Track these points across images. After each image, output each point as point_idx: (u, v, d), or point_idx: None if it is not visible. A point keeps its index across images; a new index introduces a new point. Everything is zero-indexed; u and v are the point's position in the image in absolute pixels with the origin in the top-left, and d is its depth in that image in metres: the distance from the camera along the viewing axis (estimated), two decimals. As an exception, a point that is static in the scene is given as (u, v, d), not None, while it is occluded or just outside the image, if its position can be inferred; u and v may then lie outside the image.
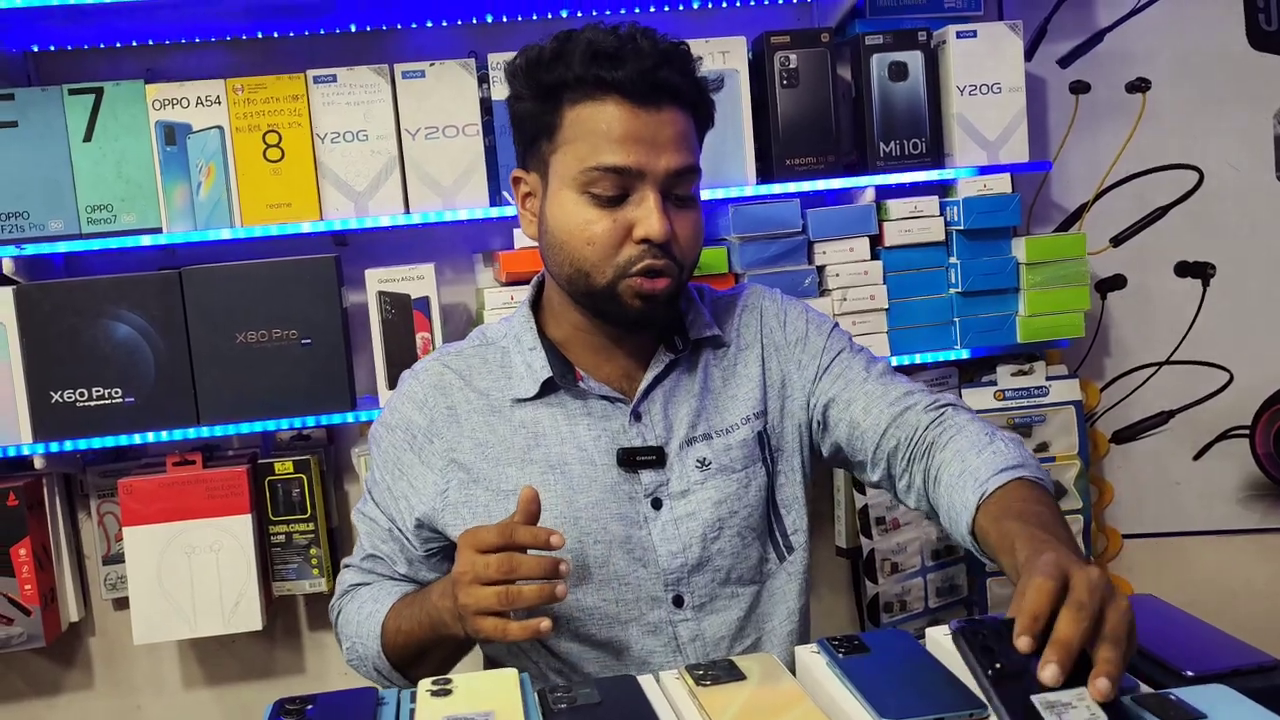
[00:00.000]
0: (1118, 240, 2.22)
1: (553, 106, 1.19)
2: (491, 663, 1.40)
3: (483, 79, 1.88)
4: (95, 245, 1.82)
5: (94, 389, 1.81)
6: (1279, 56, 2.19)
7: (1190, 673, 0.96)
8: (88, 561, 2.05)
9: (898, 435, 1.26)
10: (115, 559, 1.99)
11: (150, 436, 1.83)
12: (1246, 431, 2.27)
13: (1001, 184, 1.96)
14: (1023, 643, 0.86)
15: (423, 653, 1.24)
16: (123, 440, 1.83)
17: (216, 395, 1.83)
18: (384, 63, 1.87)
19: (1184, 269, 2.24)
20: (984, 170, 1.96)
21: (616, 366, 1.28)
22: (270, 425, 1.85)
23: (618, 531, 1.24)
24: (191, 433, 1.84)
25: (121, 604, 2.04)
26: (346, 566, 1.36)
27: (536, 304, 1.33)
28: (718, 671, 1.05)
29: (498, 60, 1.87)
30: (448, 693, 1.03)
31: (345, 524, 2.09)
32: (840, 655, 1.04)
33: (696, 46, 1.86)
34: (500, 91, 1.88)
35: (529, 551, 1.12)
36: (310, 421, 1.86)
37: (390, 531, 1.31)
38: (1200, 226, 2.22)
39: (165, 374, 1.82)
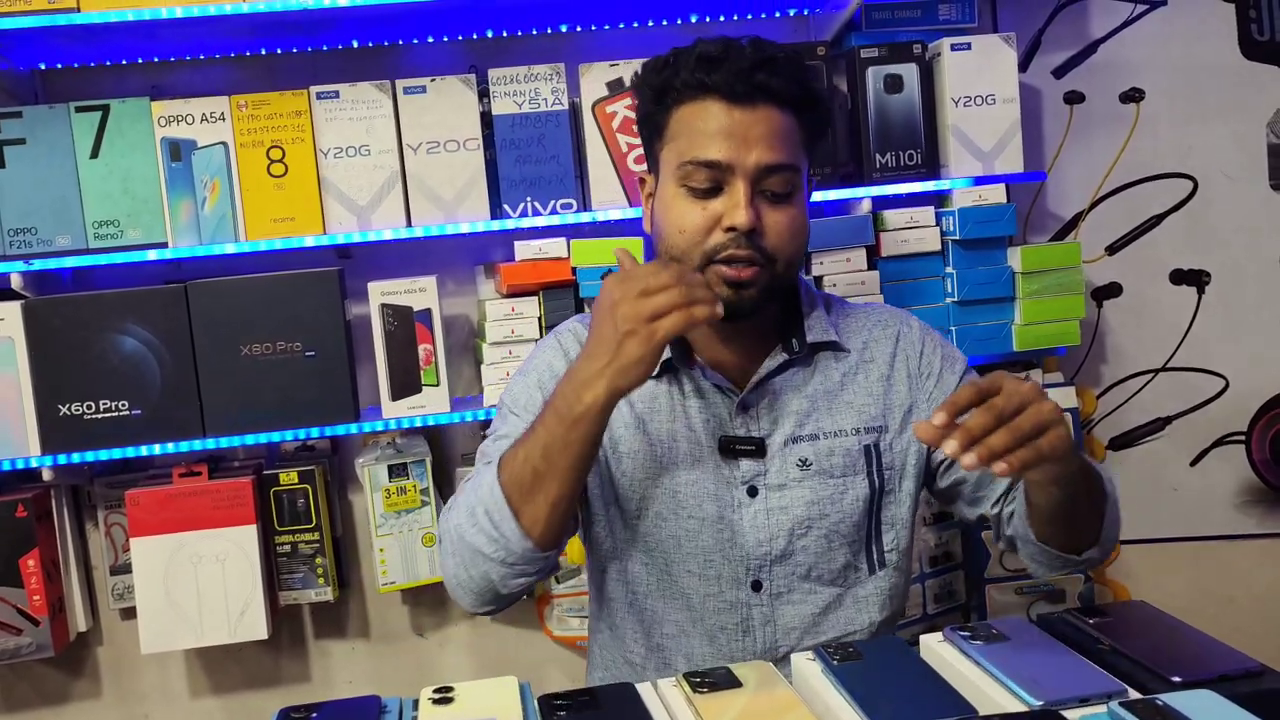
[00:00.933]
0: (1113, 249, 2.24)
1: (663, 108, 1.28)
2: (605, 608, 1.39)
3: (483, 94, 1.91)
4: (102, 260, 1.85)
5: (101, 402, 1.84)
6: (1272, 66, 2.21)
7: (1177, 679, 0.98)
8: (95, 572, 2.07)
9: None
10: (123, 569, 2.01)
11: (157, 449, 1.85)
12: (1243, 437, 2.29)
13: (997, 194, 1.98)
14: (938, 418, 1.02)
15: (538, 477, 1.19)
16: (129, 452, 1.85)
17: (222, 407, 1.85)
18: (385, 78, 1.89)
19: (1179, 277, 2.26)
20: (979, 181, 1.98)
21: (732, 358, 1.33)
22: (275, 437, 1.87)
23: (711, 511, 1.30)
24: (197, 444, 1.86)
25: (129, 614, 2.06)
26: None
27: None
28: (714, 679, 1.07)
29: (498, 75, 1.89)
30: (449, 700, 1.05)
31: (349, 533, 2.11)
32: (835, 662, 1.06)
33: (694, 61, 1.90)
34: (499, 106, 1.90)
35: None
36: (314, 433, 1.89)
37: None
38: (1195, 235, 2.24)
39: (171, 386, 1.84)
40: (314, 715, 1.06)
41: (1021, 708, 0.95)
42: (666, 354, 1.29)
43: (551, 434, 1.17)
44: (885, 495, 1.35)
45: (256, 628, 1.92)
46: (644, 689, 1.09)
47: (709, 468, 1.31)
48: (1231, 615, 2.29)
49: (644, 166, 1.36)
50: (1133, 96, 2.21)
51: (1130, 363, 2.27)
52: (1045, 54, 2.20)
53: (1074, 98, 2.20)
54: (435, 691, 1.07)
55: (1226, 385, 2.28)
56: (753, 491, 1.31)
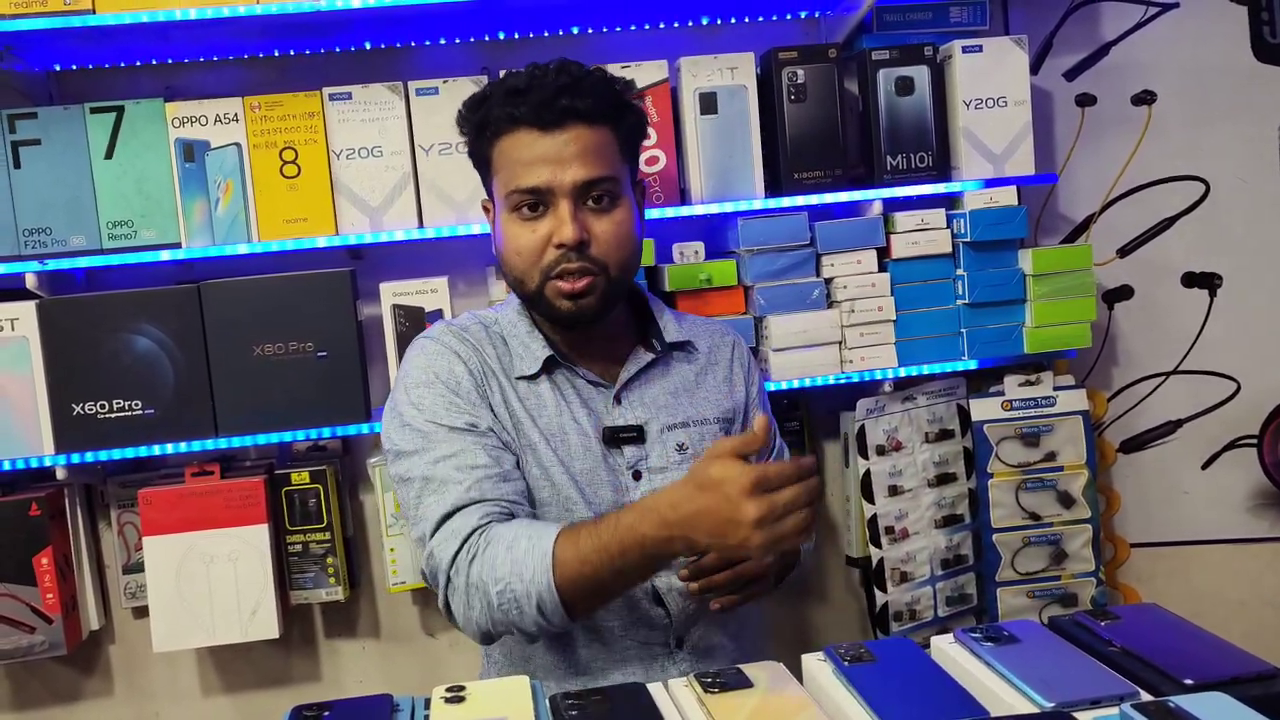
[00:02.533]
0: (1124, 251, 2.24)
1: (484, 142, 1.40)
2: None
3: (495, 95, 1.91)
4: (116, 260, 1.86)
5: (115, 401, 1.84)
6: (1284, 68, 2.21)
7: (1189, 680, 0.98)
8: (108, 570, 2.08)
9: None
10: (135, 568, 2.02)
11: (170, 448, 1.86)
12: (1254, 441, 2.28)
13: (1008, 196, 1.98)
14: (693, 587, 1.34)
15: (602, 587, 1.24)
16: (142, 452, 1.86)
17: (234, 407, 1.86)
18: (398, 79, 1.90)
19: (1191, 279, 2.25)
20: (990, 183, 1.98)
21: (595, 360, 1.45)
22: (287, 436, 1.88)
23: (607, 496, 1.41)
24: (210, 444, 1.87)
25: (141, 612, 2.07)
26: (443, 524, 1.32)
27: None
28: (725, 679, 1.08)
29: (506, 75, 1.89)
30: (461, 699, 1.06)
31: (360, 533, 2.12)
32: (846, 663, 1.07)
33: (705, 63, 1.91)
34: (512, 108, 1.91)
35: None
36: (325, 433, 1.89)
37: (477, 438, 1.36)
38: (1207, 237, 2.24)
39: (184, 386, 1.85)
40: (326, 714, 1.07)
41: (1033, 709, 0.96)
42: (546, 352, 1.42)
43: (632, 564, 1.22)
44: None
45: (268, 627, 1.93)
46: (654, 689, 1.09)
47: (598, 456, 1.41)
48: (1243, 619, 2.28)
49: (488, 191, 1.45)
50: (1144, 99, 2.21)
51: (1141, 365, 2.27)
52: (1056, 56, 2.19)
53: (1085, 100, 2.20)
54: (447, 690, 1.08)
55: (1238, 388, 2.27)
56: (637, 475, 1.42)
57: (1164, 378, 2.27)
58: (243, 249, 1.87)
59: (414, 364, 1.42)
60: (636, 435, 1.42)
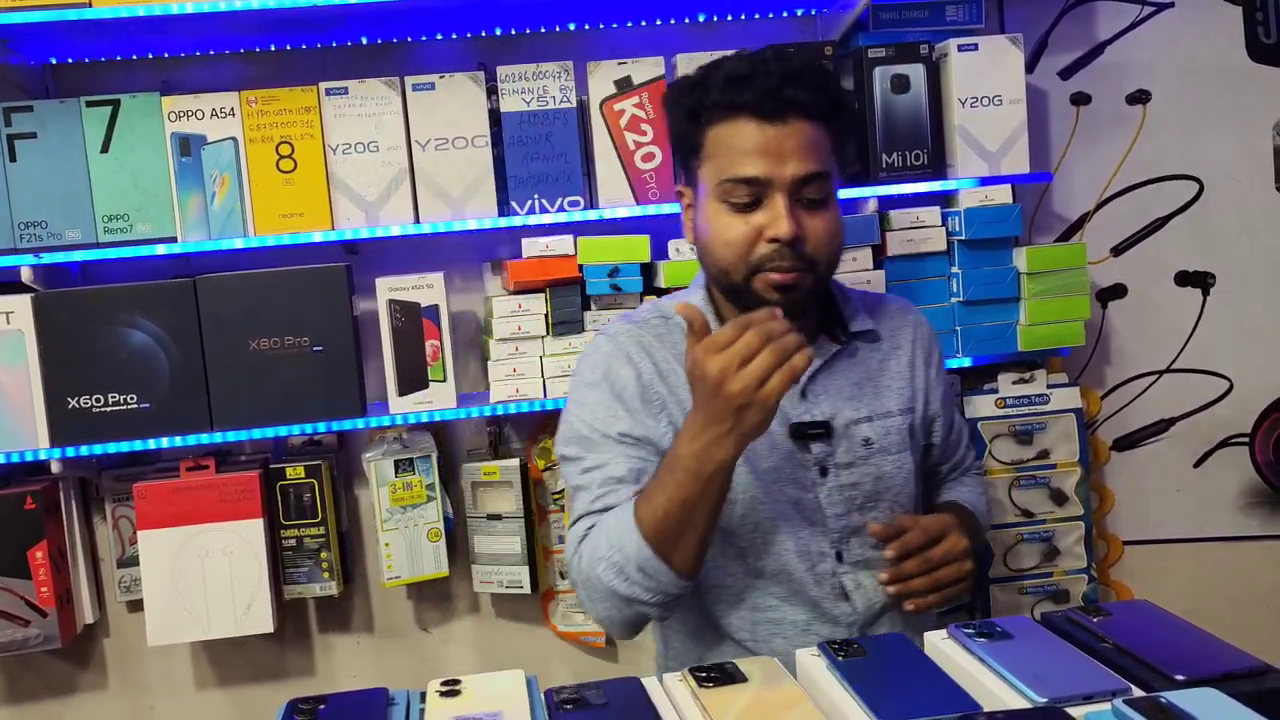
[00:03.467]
0: (1118, 250, 2.25)
1: (697, 128, 1.35)
2: (702, 616, 1.46)
3: (491, 91, 1.91)
4: (111, 254, 1.85)
5: (110, 395, 1.85)
6: (1277, 68, 2.22)
7: (1181, 677, 0.98)
8: (103, 564, 2.08)
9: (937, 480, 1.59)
10: (130, 562, 2.02)
11: (165, 442, 1.86)
12: (1246, 439, 2.29)
13: (1003, 195, 1.98)
14: (889, 552, 1.35)
15: (682, 527, 1.25)
16: (138, 446, 1.86)
17: (230, 401, 1.86)
18: (394, 75, 1.90)
19: (1184, 278, 2.26)
20: (985, 181, 1.98)
21: None
22: (282, 431, 1.88)
23: (792, 493, 1.40)
24: (205, 438, 1.87)
25: (135, 606, 2.07)
26: (578, 521, 1.36)
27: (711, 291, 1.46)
28: (719, 673, 1.08)
29: (506, 73, 1.90)
30: (456, 693, 1.06)
31: (355, 528, 2.12)
32: (840, 658, 1.07)
33: (700, 60, 1.90)
34: (508, 104, 1.91)
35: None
36: (321, 427, 1.90)
37: (627, 448, 1.37)
38: (1200, 237, 2.25)
39: (180, 380, 1.85)
40: (321, 707, 1.07)
41: (1026, 705, 0.96)
42: None
43: (687, 491, 1.23)
44: (919, 468, 1.50)
45: (263, 621, 1.93)
46: (649, 683, 1.09)
47: (783, 454, 1.40)
48: (1234, 616, 2.29)
49: (688, 177, 1.41)
50: (1139, 98, 2.22)
51: (1134, 364, 2.28)
52: (1052, 55, 2.20)
53: (1080, 99, 2.21)
54: (442, 684, 1.08)
55: (1231, 387, 2.28)
56: (824, 471, 1.41)
57: (1157, 376, 2.28)
58: (238, 243, 1.87)
59: (587, 362, 1.43)
60: (823, 430, 1.40)
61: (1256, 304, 2.26)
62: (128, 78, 2.00)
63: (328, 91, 1.87)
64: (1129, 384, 2.28)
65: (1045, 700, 0.95)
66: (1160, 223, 2.25)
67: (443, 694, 1.06)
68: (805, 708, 1.01)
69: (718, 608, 1.44)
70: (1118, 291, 2.25)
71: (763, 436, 1.34)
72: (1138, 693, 0.96)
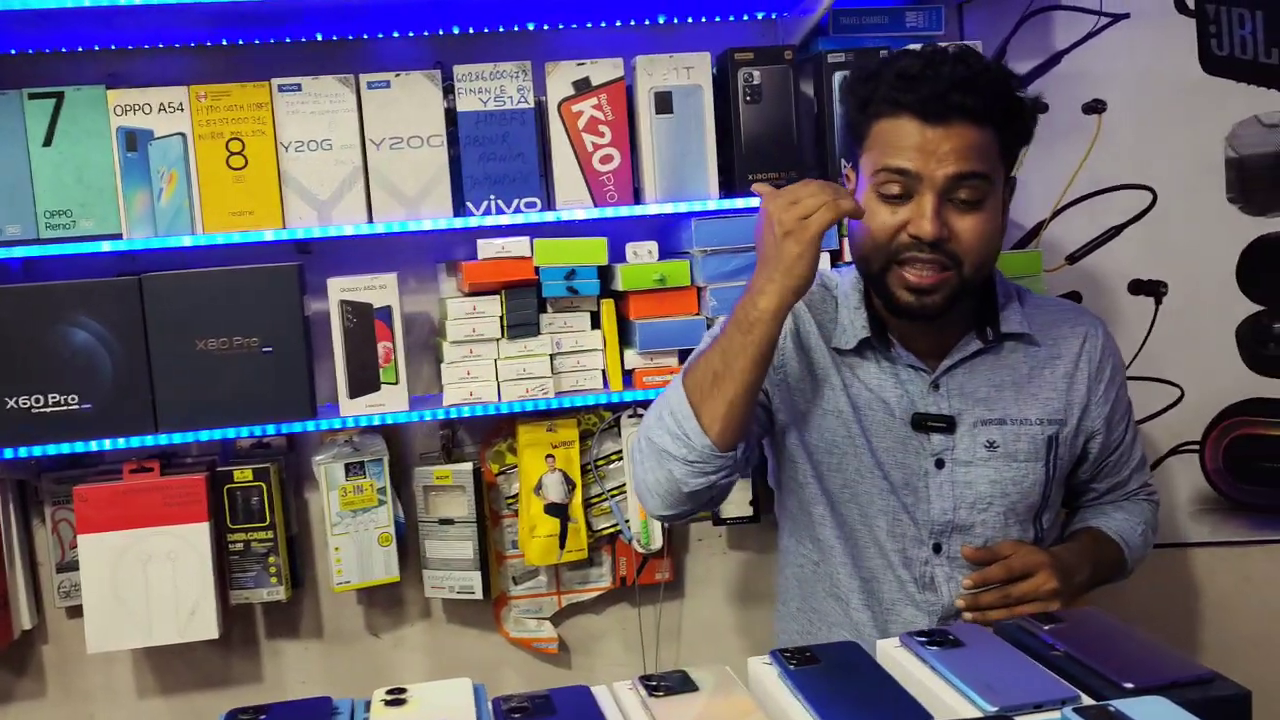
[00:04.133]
0: (1074, 258, 2.26)
1: (864, 118, 1.41)
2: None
3: (448, 90, 1.89)
4: (53, 250, 1.81)
5: (50, 395, 1.80)
6: (1231, 80, 2.24)
7: (1129, 685, 0.98)
8: (41, 569, 2.02)
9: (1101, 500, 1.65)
10: (70, 566, 1.97)
11: (109, 444, 1.81)
12: (1197, 447, 2.31)
13: (960, 201, 1.98)
14: (967, 581, 1.43)
15: (718, 378, 1.33)
16: (79, 447, 1.81)
17: (175, 402, 1.82)
18: (349, 72, 1.87)
19: (1137, 287, 2.28)
20: (943, 188, 1.98)
21: (928, 340, 1.47)
22: (230, 433, 1.85)
23: (899, 478, 1.46)
24: (150, 440, 1.83)
25: (75, 612, 2.02)
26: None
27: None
28: (670, 683, 1.07)
29: (463, 72, 1.88)
30: (402, 702, 1.04)
31: (304, 532, 2.08)
32: (791, 667, 1.06)
33: (661, 62, 1.90)
34: (464, 103, 1.88)
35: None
36: (270, 430, 1.86)
37: None
38: (1153, 246, 2.27)
39: (123, 380, 1.81)
40: (263, 717, 1.04)
41: (977, 713, 0.96)
42: (865, 333, 1.45)
43: (730, 339, 1.33)
44: (1054, 481, 1.52)
45: (207, 627, 1.89)
46: (599, 691, 1.08)
47: (899, 438, 1.46)
48: (1183, 622, 2.31)
49: (853, 163, 1.49)
50: (1095, 107, 2.23)
51: (1088, 371, 2.29)
52: (1010, 63, 2.20)
53: (1038, 107, 2.21)
54: (388, 693, 1.05)
55: (1182, 395, 2.30)
56: (940, 464, 1.46)
57: (1110, 384, 2.29)
58: (186, 241, 1.83)
59: None
60: (946, 425, 1.44)
61: (1207, 313, 2.28)
62: (72, 69, 1.95)
63: (280, 88, 1.84)
64: (1083, 391, 2.29)
65: (996, 709, 0.95)
66: (1115, 231, 2.27)
67: (388, 703, 1.04)
68: (756, 718, 1.00)
69: (831, 562, 1.54)
70: (1073, 299, 2.27)
71: (881, 416, 1.44)
72: (1087, 701, 0.96)
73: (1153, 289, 2.28)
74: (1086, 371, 1.51)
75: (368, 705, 1.06)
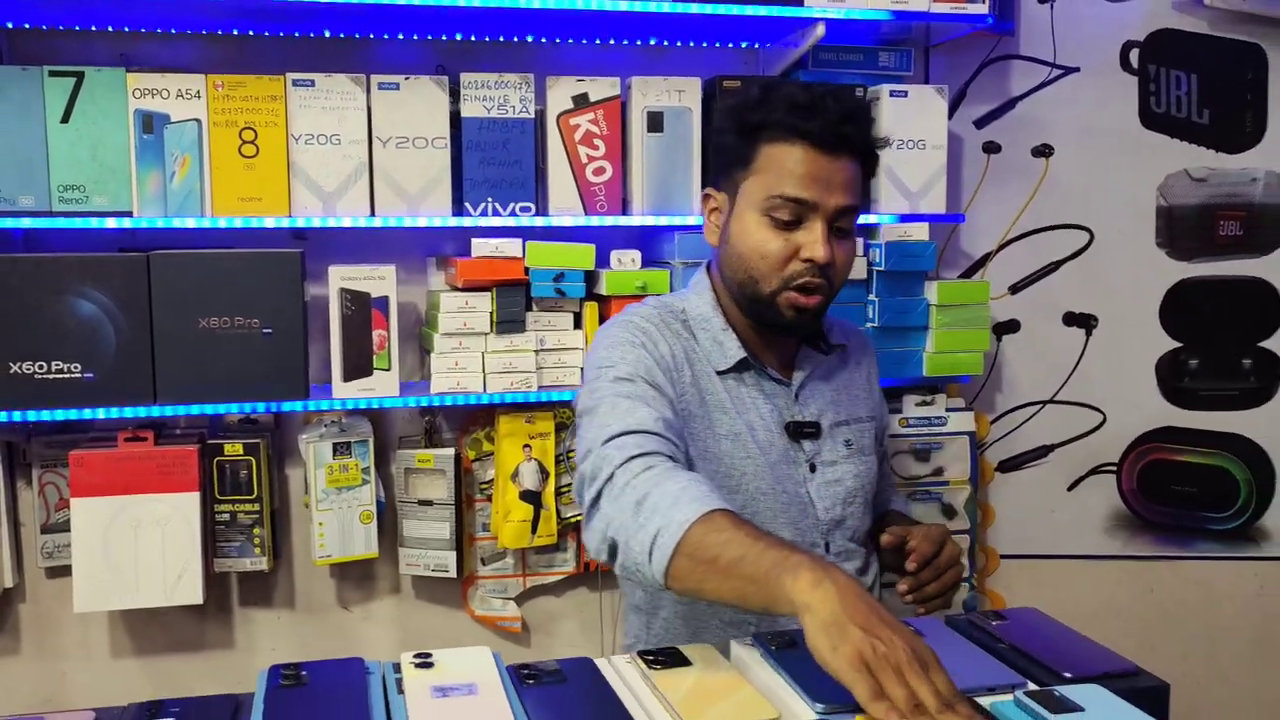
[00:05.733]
0: (1015, 288, 2.45)
1: (750, 142, 1.44)
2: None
3: (453, 95, 1.99)
4: (66, 224, 1.87)
5: (54, 363, 1.86)
6: (1165, 135, 2.45)
7: (1068, 674, 1.14)
8: (24, 529, 2.08)
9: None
10: (55, 528, 2.03)
11: (113, 412, 1.88)
12: (1114, 468, 2.52)
13: (920, 232, 2.15)
14: (910, 564, 1.44)
15: (708, 584, 1.17)
16: (83, 414, 1.88)
17: (176, 376, 1.89)
18: (354, 70, 1.96)
19: (1071, 319, 2.48)
20: (905, 218, 2.15)
21: (774, 357, 1.55)
22: (232, 409, 1.93)
23: (790, 488, 1.52)
24: (144, 411, 1.90)
25: (56, 573, 2.08)
26: (621, 436, 1.31)
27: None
28: (665, 658, 1.19)
29: (470, 79, 1.98)
30: (430, 665, 1.15)
31: (285, 506, 2.17)
32: (773, 649, 1.19)
33: (655, 84, 2.03)
34: (469, 109, 1.99)
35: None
36: (268, 407, 1.95)
37: (668, 402, 1.41)
38: (1088, 282, 2.46)
39: (126, 353, 1.88)
40: (304, 672, 1.14)
41: (939, 694, 1.10)
42: (741, 353, 1.51)
43: (746, 591, 1.14)
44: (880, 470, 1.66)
45: (193, 592, 1.97)
46: (601, 663, 1.20)
47: (780, 449, 1.52)
48: (1095, 629, 2.48)
49: (727, 184, 1.49)
50: (1043, 151, 2.42)
51: (1022, 393, 2.48)
52: (969, 105, 2.38)
53: (992, 148, 2.40)
54: (415, 657, 1.17)
55: (1104, 420, 2.50)
56: (813, 468, 1.54)
57: (1041, 406, 2.49)
58: (190, 223, 1.91)
59: (619, 332, 1.46)
60: (815, 430, 1.53)
61: (1132, 346, 2.49)
62: (85, 48, 2.01)
63: (294, 82, 1.92)
64: (1016, 411, 2.48)
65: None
66: (1054, 266, 2.45)
67: (417, 665, 1.15)
68: (746, 688, 1.13)
69: None
70: (1012, 326, 2.46)
71: (763, 433, 1.51)
72: (1033, 687, 1.11)
73: (1084, 321, 2.48)
74: (875, 376, 1.68)
75: (397, 667, 1.17)
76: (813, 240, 1.41)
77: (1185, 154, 2.45)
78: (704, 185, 2.06)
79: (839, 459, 1.56)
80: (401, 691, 1.10)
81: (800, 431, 1.52)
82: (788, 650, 1.19)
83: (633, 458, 1.28)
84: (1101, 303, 2.48)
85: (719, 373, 1.50)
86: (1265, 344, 2.50)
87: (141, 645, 2.16)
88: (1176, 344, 2.49)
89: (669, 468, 1.28)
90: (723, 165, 1.50)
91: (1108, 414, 2.50)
